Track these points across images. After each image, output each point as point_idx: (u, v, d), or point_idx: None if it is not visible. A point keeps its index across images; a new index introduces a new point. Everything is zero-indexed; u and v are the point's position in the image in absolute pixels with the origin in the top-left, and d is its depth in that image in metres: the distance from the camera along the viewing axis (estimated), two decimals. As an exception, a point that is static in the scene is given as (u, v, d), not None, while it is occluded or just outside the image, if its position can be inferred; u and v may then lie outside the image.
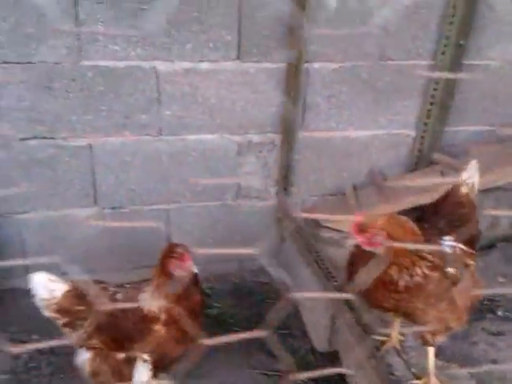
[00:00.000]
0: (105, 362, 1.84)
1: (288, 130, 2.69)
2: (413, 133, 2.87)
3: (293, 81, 2.58)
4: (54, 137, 2.54)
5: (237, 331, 2.72)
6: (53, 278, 1.88)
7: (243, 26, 2.49)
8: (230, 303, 2.92)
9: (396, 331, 2.13)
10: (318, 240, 2.70)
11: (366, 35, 2.60)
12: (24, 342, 2.60)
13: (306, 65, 2.59)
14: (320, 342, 2.57)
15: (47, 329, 2.60)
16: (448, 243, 1.88)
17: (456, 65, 2.68)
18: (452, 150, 2.88)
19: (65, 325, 1.90)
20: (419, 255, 1.74)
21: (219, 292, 2.96)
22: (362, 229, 1.70)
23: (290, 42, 2.51)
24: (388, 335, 2.15)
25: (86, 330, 1.83)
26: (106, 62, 2.45)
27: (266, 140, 2.74)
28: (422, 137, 2.85)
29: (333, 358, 2.50)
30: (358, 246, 1.76)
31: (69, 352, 2.51)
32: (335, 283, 2.46)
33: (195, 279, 1.88)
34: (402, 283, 1.71)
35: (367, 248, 1.72)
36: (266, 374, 2.54)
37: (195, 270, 1.85)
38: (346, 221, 2.77)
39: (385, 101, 2.75)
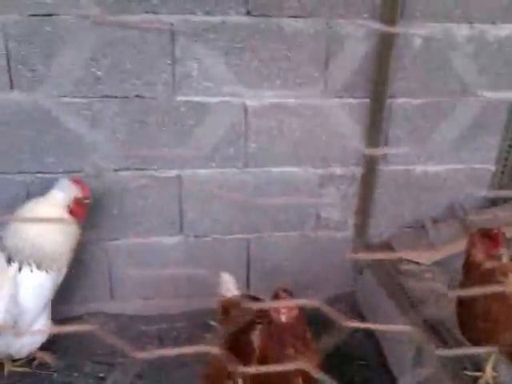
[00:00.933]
0: (217, 370, 1.89)
1: (369, 164, 2.74)
2: (493, 168, 2.88)
3: (376, 115, 2.64)
4: (146, 168, 2.66)
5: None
6: (233, 281, 2.15)
7: (330, 64, 2.57)
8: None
9: (490, 366, 2.12)
10: (398, 272, 2.72)
11: (450, 71, 2.65)
12: (110, 365, 2.69)
13: (389, 100, 2.65)
14: (403, 375, 2.57)
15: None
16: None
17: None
18: (533, 184, 2.89)
19: (219, 321, 2.11)
20: None
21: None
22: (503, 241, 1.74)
23: (374, 78, 2.58)
24: (482, 370, 2.14)
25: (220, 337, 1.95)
26: (198, 97, 2.56)
27: (348, 173, 2.79)
28: (502, 172, 2.86)
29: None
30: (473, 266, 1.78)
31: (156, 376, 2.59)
32: (422, 315, 2.47)
33: (297, 330, 1.76)
34: None
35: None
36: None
37: (283, 319, 1.73)
38: (425, 253, 2.80)
39: (466, 136, 2.77)
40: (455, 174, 2.87)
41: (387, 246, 2.88)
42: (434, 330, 2.33)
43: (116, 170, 2.64)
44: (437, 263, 2.78)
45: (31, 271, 2.27)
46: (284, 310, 1.73)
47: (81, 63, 2.41)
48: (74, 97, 2.47)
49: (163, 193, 2.70)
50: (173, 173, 2.69)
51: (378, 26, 2.47)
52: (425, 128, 2.76)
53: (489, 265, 1.73)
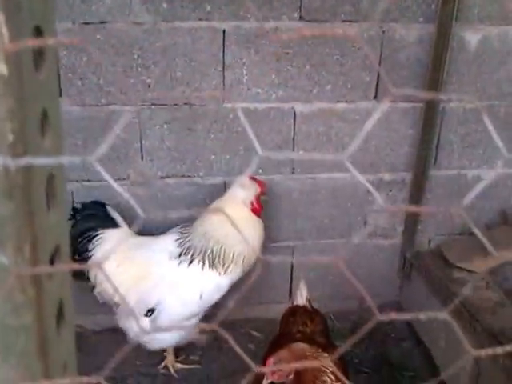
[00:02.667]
0: None
1: (420, 169, 2.79)
2: (547, 172, 2.93)
3: (428, 120, 2.69)
4: (192, 175, 2.73)
5: (366, 372, 2.81)
6: (304, 290, 2.28)
7: (383, 67, 2.63)
8: (352, 343, 3.00)
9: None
10: (451, 281, 2.77)
11: (505, 75, 2.70)
12: (152, 376, 2.76)
13: (442, 104, 2.70)
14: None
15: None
16: None
17: None
18: None
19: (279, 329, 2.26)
20: None
21: (340, 330, 3.06)
22: None
23: (428, 82, 2.63)
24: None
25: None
26: (247, 104, 2.63)
27: (397, 178, 2.85)
28: (558, 176, 2.91)
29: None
30: None
31: None
32: (481, 326, 2.52)
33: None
34: None
35: None
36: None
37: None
38: (478, 261, 2.85)
39: (520, 140, 2.83)
40: (508, 178, 2.91)
41: (437, 254, 2.93)
42: (496, 340, 2.38)
43: (162, 178, 2.72)
44: (489, 271, 2.83)
45: (202, 270, 2.37)
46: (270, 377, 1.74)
47: (132, 71, 2.49)
48: (124, 105, 2.55)
49: (208, 201, 2.76)
50: (218, 180, 2.76)
51: (433, 29, 2.52)
52: (478, 132, 2.81)
53: None
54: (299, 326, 2.08)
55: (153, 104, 2.58)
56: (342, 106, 2.69)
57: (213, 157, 2.72)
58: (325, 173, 2.82)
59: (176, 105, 2.59)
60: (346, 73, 2.62)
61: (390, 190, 2.88)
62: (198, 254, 2.37)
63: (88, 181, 2.68)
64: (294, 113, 2.68)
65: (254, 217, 2.47)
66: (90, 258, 2.40)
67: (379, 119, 2.74)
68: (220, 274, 2.38)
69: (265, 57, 2.54)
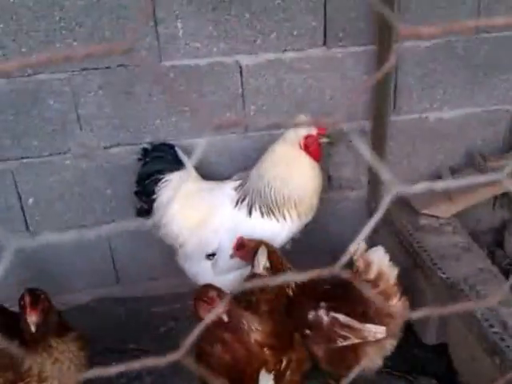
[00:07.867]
0: None
1: (379, 116, 2.67)
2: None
3: (383, 63, 2.55)
4: (138, 142, 2.59)
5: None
6: (263, 257, 2.20)
7: (328, 10, 2.46)
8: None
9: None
10: (417, 228, 2.70)
11: (461, 7, 2.54)
12: (121, 352, 2.70)
13: (396, 44, 2.55)
14: (427, 334, 2.60)
15: (142, 337, 2.71)
16: None
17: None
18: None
19: None
20: None
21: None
22: None
23: (378, 22, 2.47)
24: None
25: None
26: (187, 60, 2.46)
27: (357, 127, 2.73)
28: (524, 111, 2.80)
29: (441, 350, 2.54)
30: None
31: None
32: (442, 274, 2.47)
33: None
34: None
35: None
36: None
37: (225, 318, 1.84)
38: (444, 206, 2.77)
39: (482, 76, 2.69)
40: (472, 118, 2.80)
41: (403, 202, 2.84)
42: (456, 288, 2.33)
43: (106, 148, 2.58)
44: (457, 215, 2.76)
45: (261, 217, 2.38)
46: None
47: (55, 35, 2.31)
48: (52, 72, 2.38)
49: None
50: (168, 145, 2.62)
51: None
52: (436, 71, 2.67)
53: None
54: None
55: (83, 69, 2.41)
56: (290, 55, 2.53)
57: (158, 121, 2.57)
58: (280, 128, 2.68)
59: (109, 67, 2.42)
60: (289, 19, 2.45)
61: (350, 141, 2.76)
62: (254, 201, 2.37)
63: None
64: (240, 66, 2.52)
65: (306, 158, 2.38)
66: (155, 200, 2.47)
67: (331, 67, 2.59)
68: (278, 220, 2.39)
69: (199, 7, 2.36)
